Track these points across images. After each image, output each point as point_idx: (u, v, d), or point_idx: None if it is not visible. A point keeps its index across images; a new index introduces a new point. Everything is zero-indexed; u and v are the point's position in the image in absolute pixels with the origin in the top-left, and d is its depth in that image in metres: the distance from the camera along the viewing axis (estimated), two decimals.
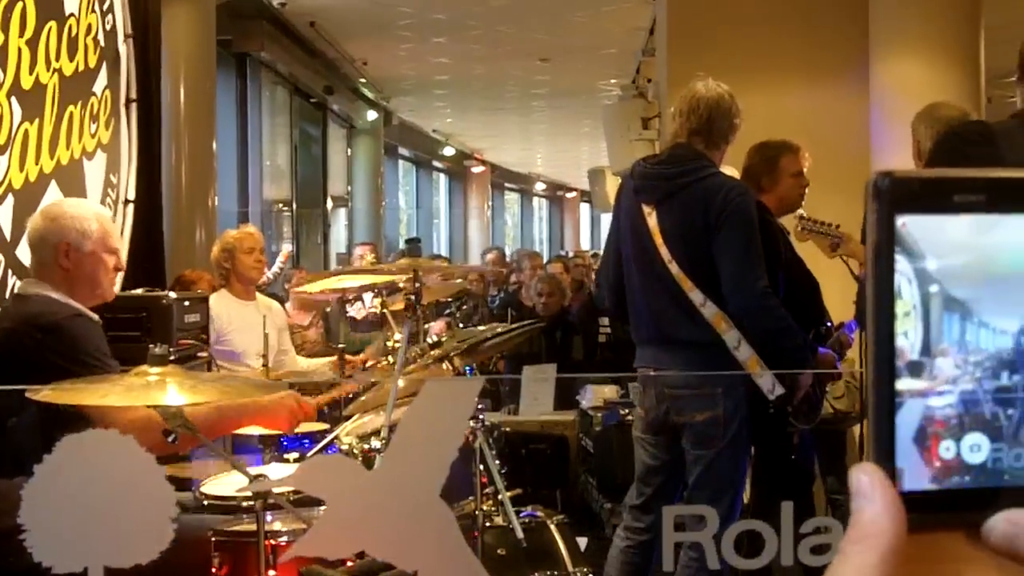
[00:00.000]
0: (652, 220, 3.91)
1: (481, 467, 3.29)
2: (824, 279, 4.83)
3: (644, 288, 3.99)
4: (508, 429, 5.43)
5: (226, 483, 3.51)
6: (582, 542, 4.03)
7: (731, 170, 5.05)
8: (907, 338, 0.60)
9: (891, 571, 0.57)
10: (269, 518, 3.00)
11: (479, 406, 3.39)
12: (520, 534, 3.29)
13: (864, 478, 0.59)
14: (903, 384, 0.60)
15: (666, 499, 4.02)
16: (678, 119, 4.01)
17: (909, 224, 0.60)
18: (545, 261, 11.99)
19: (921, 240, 0.60)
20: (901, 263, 0.59)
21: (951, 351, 0.60)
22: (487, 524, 3.37)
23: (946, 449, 0.60)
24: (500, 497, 3.40)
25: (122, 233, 5.63)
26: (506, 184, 30.51)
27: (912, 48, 6.96)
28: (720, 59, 7.82)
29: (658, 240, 3.89)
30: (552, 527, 3.59)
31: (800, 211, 4.48)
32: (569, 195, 33.25)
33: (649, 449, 4.07)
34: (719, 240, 3.80)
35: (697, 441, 3.90)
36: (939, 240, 0.60)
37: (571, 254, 16.06)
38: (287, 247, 8.72)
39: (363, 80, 15.76)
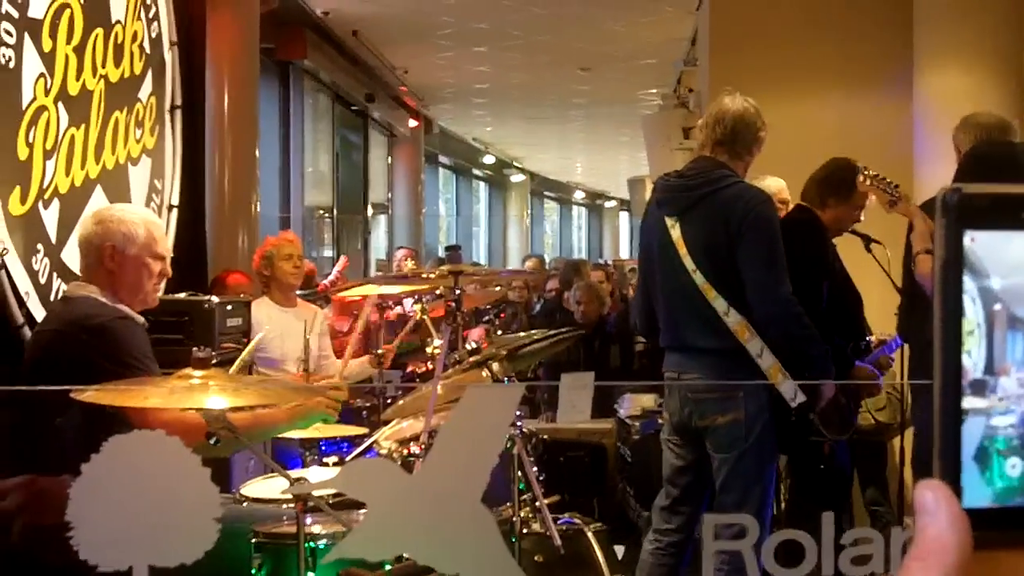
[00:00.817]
0: (676, 232, 3.98)
1: (519, 474, 3.30)
2: (867, 294, 4.82)
3: (668, 298, 4.07)
4: (546, 437, 5.43)
5: (267, 486, 3.55)
6: (619, 550, 4.03)
7: (775, 181, 5.05)
8: (970, 357, 0.60)
9: None
10: (309, 521, 3.02)
11: (517, 413, 3.40)
12: (558, 541, 3.29)
13: (929, 494, 0.59)
14: (966, 402, 0.60)
15: (694, 501, 4.10)
16: (704, 131, 4.08)
17: (977, 240, 0.59)
18: None
19: (986, 258, 0.59)
20: (966, 281, 0.59)
21: (1014, 370, 0.60)
22: (524, 531, 3.37)
23: (1011, 467, 0.60)
24: (538, 504, 3.40)
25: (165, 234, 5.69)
26: (545, 192, 30.53)
27: (957, 58, 6.90)
28: (762, 69, 7.80)
29: (682, 251, 3.95)
30: (589, 534, 3.60)
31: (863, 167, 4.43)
32: (608, 204, 33.22)
33: (675, 450, 4.13)
34: (742, 248, 3.85)
35: (720, 444, 3.95)
36: (1004, 258, 0.60)
37: (609, 262, 16.04)
38: (343, 257, 8.78)
39: (404, 88, 15.83)
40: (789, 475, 4.75)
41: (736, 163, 4.04)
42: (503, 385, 3.38)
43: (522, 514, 3.34)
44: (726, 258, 3.88)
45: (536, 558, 3.39)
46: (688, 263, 3.93)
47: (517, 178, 26.21)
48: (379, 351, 5.29)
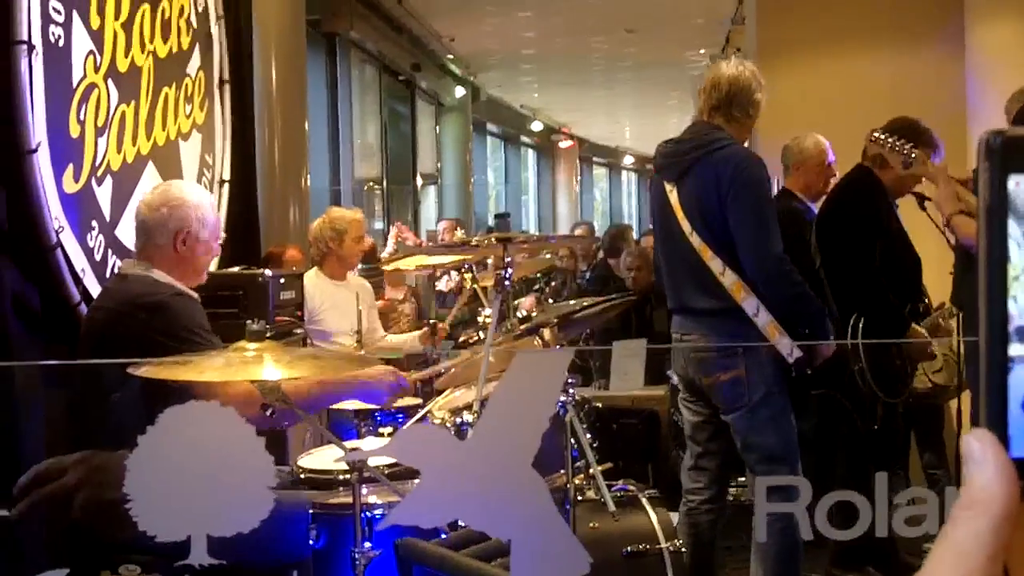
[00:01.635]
0: (673, 196, 4.06)
1: (572, 441, 3.30)
2: (928, 258, 4.78)
3: (669, 262, 4.19)
4: (599, 404, 5.42)
5: (322, 457, 3.58)
6: (674, 517, 4.03)
7: (816, 139, 5.02)
8: (1016, 303, 0.59)
9: (1002, 537, 0.57)
10: (365, 491, 3.04)
11: (569, 381, 3.39)
12: (612, 507, 3.29)
13: (976, 444, 0.58)
14: (1013, 350, 0.59)
15: (716, 456, 4.20)
16: (700, 97, 4.14)
17: (1022, 184, 0.58)
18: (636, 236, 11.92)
19: None
20: (1010, 226, 0.58)
21: None
22: (579, 498, 3.38)
23: None
24: (591, 471, 3.41)
25: (218, 213, 5.74)
26: (594, 158, 30.41)
27: (1010, 9, 6.77)
28: (811, 26, 7.70)
29: (679, 214, 4.02)
30: (644, 501, 3.59)
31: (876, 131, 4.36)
32: None
33: (691, 407, 4.24)
34: (732, 209, 3.91)
35: (726, 402, 4.03)
36: None
37: None
38: (395, 226, 8.84)
39: (450, 57, 15.80)
40: (843, 437, 4.74)
41: (733, 127, 4.09)
42: (552, 350, 3.39)
43: (576, 481, 3.34)
44: (719, 219, 3.94)
45: (591, 525, 3.39)
46: (685, 226, 4.01)
47: (565, 144, 26.11)
48: (431, 320, 5.31)
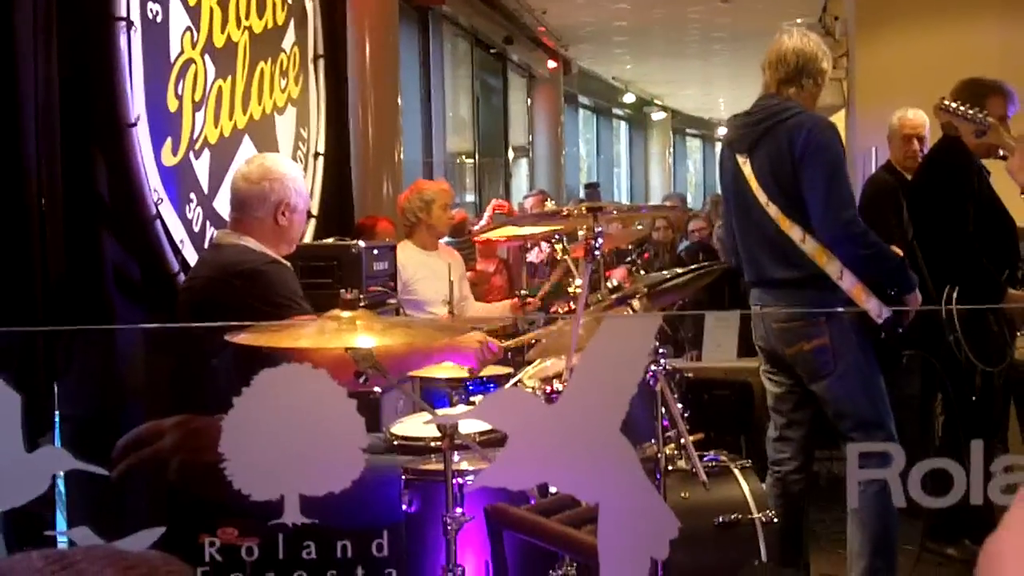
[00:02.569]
0: (747, 168, 4.04)
1: (663, 411, 3.29)
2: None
3: (745, 235, 4.15)
4: (691, 375, 5.40)
5: (414, 425, 3.62)
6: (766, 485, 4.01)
7: (915, 113, 4.96)
8: None
9: None
10: (456, 458, 3.07)
11: (661, 351, 3.38)
12: (703, 477, 3.29)
13: None
14: None
15: (800, 426, 4.18)
16: (767, 71, 4.12)
17: None
18: None
19: None
20: None
21: None
22: (669, 468, 3.37)
23: None
24: (682, 441, 3.40)
25: (312, 185, 5.81)
26: (687, 130, 30.14)
27: None
28: None
29: (754, 186, 4.01)
30: (736, 471, 3.57)
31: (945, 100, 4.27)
32: None
33: (772, 378, 4.23)
34: (804, 174, 3.88)
35: (812, 371, 4.00)
36: None
37: None
38: (493, 201, 8.88)
39: (542, 29, 15.76)
40: (943, 406, 4.66)
41: (802, 96, 4.08)
42: (640, 315, 3.38)
43: (667, 451, 3.34)
44: (794, 186, 3.91)
45: (682, 495, 3.38)
46: (761, 197, 3.98)
47: (658, 116, 25.89)
48: (522, 292, 5.33)
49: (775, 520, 3.41)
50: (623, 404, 1.43)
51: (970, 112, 4.02)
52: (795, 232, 3.91)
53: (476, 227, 8.16)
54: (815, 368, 3.97)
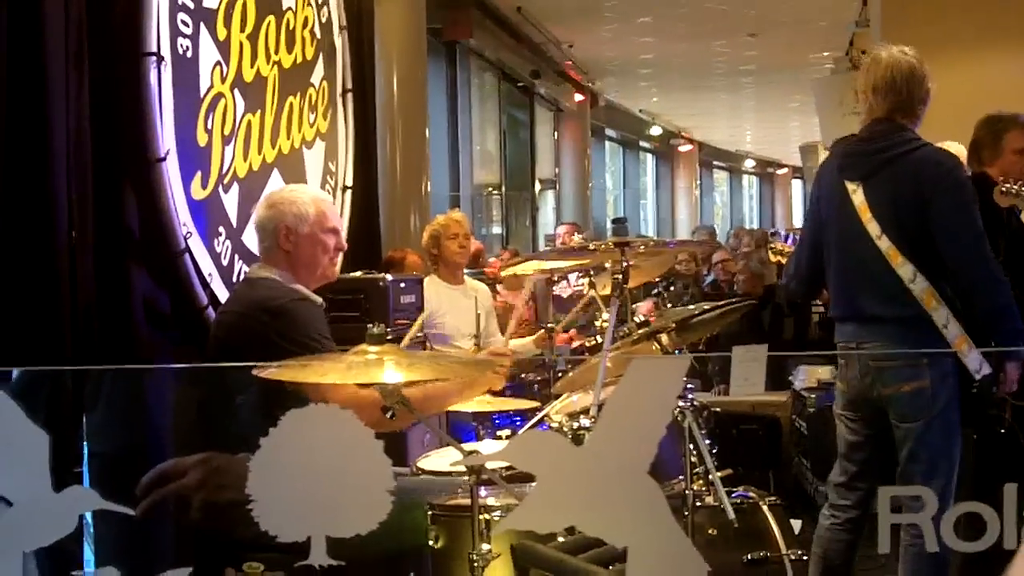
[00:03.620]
0: (858, 197, 3.86)
1: (691, 447, 3.27)
2: None
3: (845, 267, 3.96)
4: (719, 410, 5.37)
5: (442, 459, 3.61)
6: (796, 524, 3.96)
7: (956, 146, 4.91)
8: None
9: None
10: (483, 493, 3.06)
11: (688, 386, 3.37)
12: (731, 514, 3.25)
13: None
14: None
15: (870, 476, 3.99)
16: (873, 96, 3.92)
17: None
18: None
19: None
20: None
21: None
22: (697, 504, 3.34)
23: None
24: (710, 477, 3.37)
25: (340, 218, 5.83)
26: (714, 162, 30.14)
27: None
28: (938, 28, 7.51)
29: (865, 216, 3.83)
30: (764, 508, 3.55)
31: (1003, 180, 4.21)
32: (780, 171, 32.57)
33: (850, 425, 4.03)
34: (939, 212, 3.73)
35: (905, 414, 3.84)
36: None
37: (781, 232, 15.70)
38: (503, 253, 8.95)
39: (569, 63, 15.83)
40: (976, 446, 4.60)
41: (913, 122, 3.93)
42: (669, 356, 3.36)
43: (695, 487, 3.31)
44: (916, 222, 3.75)
45: (710, 531, 3.36)
46: (872, 229, 3.82)
47: (685, 148, 25.91)
48: (549, 325, 5.33)
49: (804, 558, 3.37)
50: (652, 447, 1.41)
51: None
52: (906, 270, 3.75)
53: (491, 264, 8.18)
54: (911, 410, 3.82)
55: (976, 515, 1.52)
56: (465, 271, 6.11)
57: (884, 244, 3.78)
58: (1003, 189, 3.98)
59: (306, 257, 3.39)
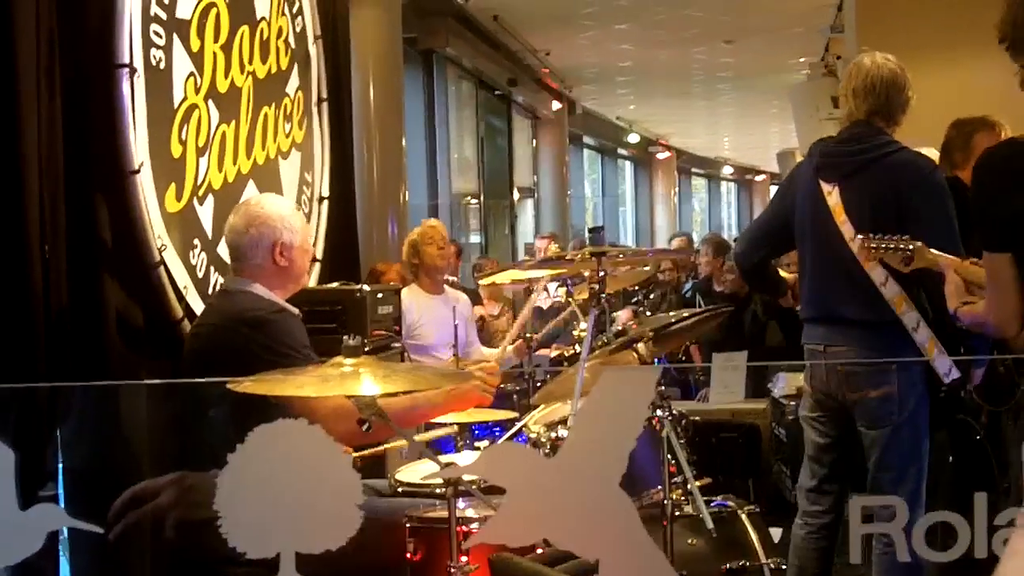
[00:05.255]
0: (833, 198, 3.88)
1: (670, 456, 3.27)
2: None
3: (817, 267, 3.98)
4: (698, 418, 5.37)
5: (419, 470, 3.60)
6: (776, 533, 3.96)
7: (933, 152, 4.93)
8: None
9: None
10: (461, 505, 3.05)
11: (666, 394, 3.37)
12: (710, 524, 3.25)
13: None
14: None
15: (840, 478, 4.00)
16: (853, 99, 3.96)
17: None
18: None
19: None
20: None
21: None
22: (676, 513, 3.34)
23: None
24: (689, 487, 3.37)
25: (317, 229, 5.81)
26: (693, 169, 30.21)
27: None
28: (912, 34, 7.55)
29: (839, 218, 3.85)
30: (743, 517, 3.55)
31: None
32: (758, 178, 32.68)
33: (818, 427, 4.04)
34: (914, 214, 3.75)
35: (871, 419, 3.85)
36: None
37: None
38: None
39: (546, 71, 15.84)
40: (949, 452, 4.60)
41: (892, 128, 3.97)
42: (639, 368, 3.36)
43: (673, 497, 3.30)
44: (891, 225, 3.72)
45: (689, 541, 3.36)
46: (846, 230, 3.83)
47: (663, 155, 25.97)
48: (527, 335, 5.32)
49: (783, 567, 3.37)
50: (623, 458, 1.41)
51: (891, 243, 3.81)
52: (877, 273, 3.77)
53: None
54: (879, 416, 3.83)
55: (950, 524, 1.52)
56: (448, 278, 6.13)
57: (856, 246, 3.78)
58: (864, 244, 3.81)
59: (298, 270, 3.43)
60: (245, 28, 4.93)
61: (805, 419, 4.11)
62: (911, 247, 3.61)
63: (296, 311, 3.40)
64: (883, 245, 3.62)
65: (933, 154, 4.89)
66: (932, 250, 3.62)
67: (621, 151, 24.98)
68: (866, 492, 3.95)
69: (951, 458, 4.51)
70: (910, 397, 3.80)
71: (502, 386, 5.62)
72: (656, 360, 3.90)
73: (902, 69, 3.98)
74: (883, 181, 3.81)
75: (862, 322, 3.83)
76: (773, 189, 32.33)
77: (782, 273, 4.43)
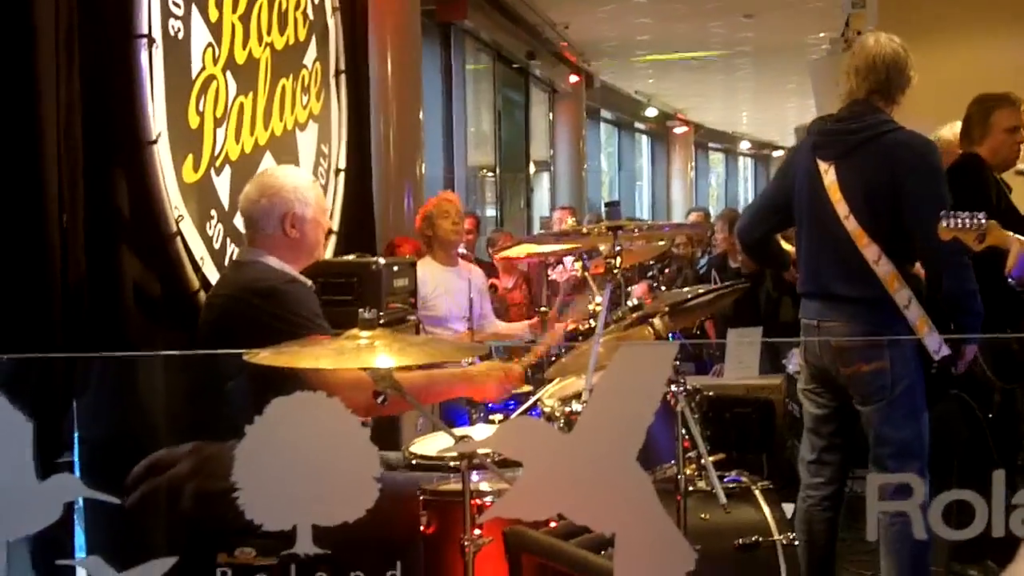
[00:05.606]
0: (829, 177, 3.92)
1: (684, 431, 3.26)
2: None
3: (813, 244, 4.03)
4: (712, 393, 5.35)
5: (434, 443, 3.60)
6: (789, 508, 3.97)
7: (952, 126, 4.90)
8: None
9: None
10: (475, 478, 3.06)
11: (680, 369, 3.36)
12: (723, 499, 3.25)
13: None
14: None
15: (839, 449, 4.09)
16: (854, 77, 3.99)
17: None
18: None
19: None
20: None
21: None
22: (690, 488, 3.34)
23: None
24: (703, 461, 3.37)
25: (334, 201, 5.81)
26: (710, 144, 30.08)
27: None
28: (933, 11, 7.49)
29: (835, 196, 3.89)
30: (757, 492, 3.54)
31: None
32: (776, 153, 32.50)
33: (815, 399, 4.12)
34: (910, 195, 3.79)
35: (864, 394, 3.91)
36: None
37: None
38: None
39: (565, 44, 15.77)
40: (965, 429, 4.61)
41: (891, 107, 3.99)
42: (656, 343, 3.36)
43: (687, 472, 3.30)
44: (886, 204, 3.82)
45: (702, 516, 3.35)
46: (841, 209, 3.88)
47: (680, 130, 25.87)
48: (542, 309, 5.33)
49: (796, 543, 3.37)
50: (640, 434, 1.41)
51: (967, 220, 3.84)
52: (871, 251, 3.82)
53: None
54: (871, 390, 3.88)
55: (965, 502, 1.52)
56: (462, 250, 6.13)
57: (851, 225, 3.85)
58: (943, 226, 3.84)
59: (310, 242, 3.42)
60: (264, 0, 4.92)
61: (802, 391, 4.20)
62: (984, 224, 3.69)
63: (309, 282, 3.40)
64: (959, 222, 3.68)
65: (956, 128, 4.87)
66: (1001, 229, 3.78)
67: (638, 125, 24.89)
68: (867, 466, 4.01)
69: (967, 436, 4.51)
70: (902, 373, 3.85)
71: (517, 360, 5.64)
72: (671, 335, 3.91)
73: (905, 50, 4.00)
74: (878, 161, 3.85)
75: (855, 298, 3.89)
76: None
77: (784, 246, 4.46)
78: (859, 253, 3.83)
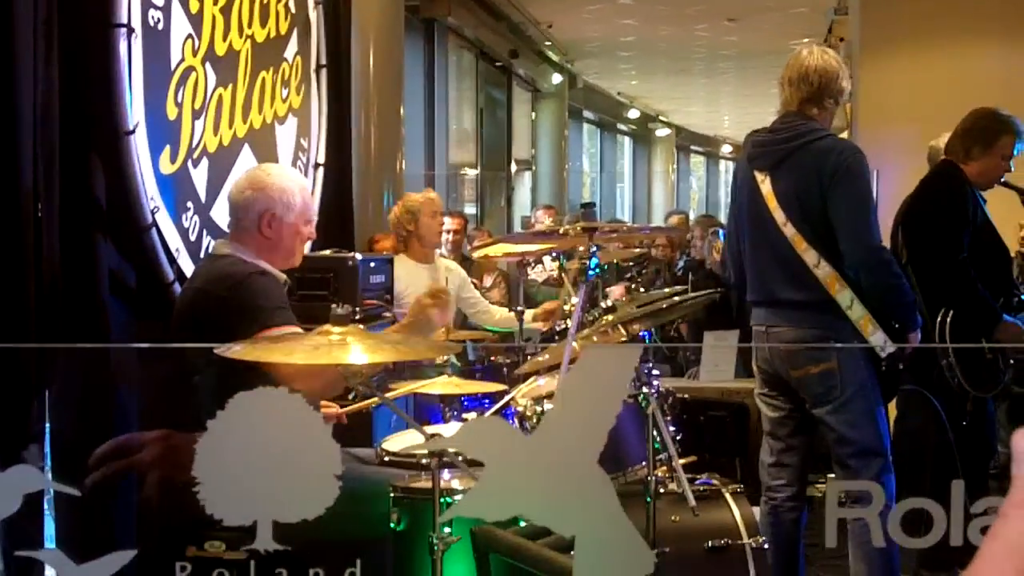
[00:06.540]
0: (766, 186, 4.01)
1: (655, 433, 3.27)
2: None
3: (757, 253, 4.11)
4: (686, 396, 5.37)
5: (406, 440, 3.61)
6: (758, 512, 3.99)
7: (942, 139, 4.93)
8: None
9: None
10: (447, 475, 3.06)
11: (654, 372, 3.37)
12: (692, 501, 3.26)
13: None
14: None
15: (796, 452, 4.14)
16: (788, 88, 4.08)
17: None
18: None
19: None
20: None
21: None
22: (660, 491, 3.35)
23: None
24: (673, 464, 3.38)
25: (312, 196, 5.80)
26: (692, 147, 30.14)
27: None
28: (916, 16, 7.53)
29: (772, 204, 3.97)
30: (727, 495, 3.55)
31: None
32: None
33: (770, 403, 4.18)
34: (834, 198, 3.86)
35: (817, 395, 3.97)
36: None
37: None
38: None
39: (548, 43, 15.78)
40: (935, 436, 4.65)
41: (824, 116, 4.06)
42: (620, 346, 3.37)
43: (658, 474, 3.31)
44: (818, 209, 3.89)
45: (672, 518, 3.36)
46: (778, 216, 3.95)
47: (662, 132, 25.91)
48: (519, 308, 5.33)
49: (765, 546, 3.39)
50: (601, 436, 1.41)
51: None
52: (810, 255, 3.89)
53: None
54: (821, 392, 3.94)
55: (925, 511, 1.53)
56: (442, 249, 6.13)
57: (789, 231, 3.92)
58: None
59: (285, 245, 3.38)
60: None
61: (758, 396, 4.26)
62: None
63: (283, 276, 3.38)
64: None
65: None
66: None
67: (621, 126, 24.92)
68: (831, 469, 4.09)
69: (937, 443, 4.55)
70: (852, 373, 3.93)
71: (493, 359, 5.65)
72: (643, 334, 3.93)
73: (838, 61, 4.09)
74: (807, 168, 3.92)
75: (799, 302, 3.95)
76: None
77: None
78: (799, 258, 3.91)
